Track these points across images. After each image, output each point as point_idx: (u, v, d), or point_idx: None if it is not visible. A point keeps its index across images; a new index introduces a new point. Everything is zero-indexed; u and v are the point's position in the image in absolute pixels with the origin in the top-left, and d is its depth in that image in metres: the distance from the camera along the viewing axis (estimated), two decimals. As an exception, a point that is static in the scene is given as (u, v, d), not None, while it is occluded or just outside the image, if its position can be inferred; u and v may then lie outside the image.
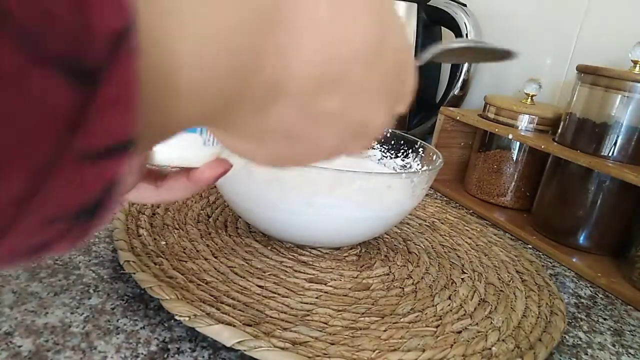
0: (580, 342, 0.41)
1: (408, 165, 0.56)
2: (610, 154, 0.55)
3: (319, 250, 0.47)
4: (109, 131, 0.10)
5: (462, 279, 0.46)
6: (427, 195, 0.64)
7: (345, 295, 0.40)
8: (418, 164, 0.55)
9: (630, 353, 0.41)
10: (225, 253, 0.43)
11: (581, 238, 0.58)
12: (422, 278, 0.45)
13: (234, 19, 0.13)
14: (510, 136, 0.64)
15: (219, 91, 0.14)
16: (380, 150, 0.58)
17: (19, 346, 0.30)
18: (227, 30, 0.13)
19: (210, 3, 0.12)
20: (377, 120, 0.20)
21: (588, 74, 0.57)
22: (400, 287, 0.43)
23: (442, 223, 0.59)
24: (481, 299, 0.43)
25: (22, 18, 0.08)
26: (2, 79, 0.08)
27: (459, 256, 0.51)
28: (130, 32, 0.09)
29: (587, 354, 0.40)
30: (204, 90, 0.13)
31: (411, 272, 0.46)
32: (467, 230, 0.58)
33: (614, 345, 0.42)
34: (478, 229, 0.59)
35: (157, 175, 0.30)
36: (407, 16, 0.85)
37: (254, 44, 0.14)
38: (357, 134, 0.19)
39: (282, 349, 0.32)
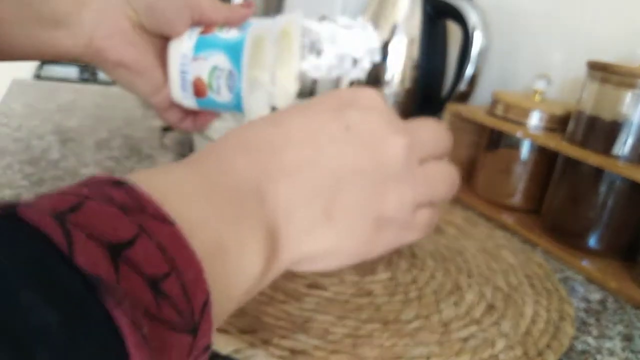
0: (589, 348, 0.40)
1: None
2: (621, 154, 0.53)
3: (319, 253, 0.46)
4: (205, 346, 0.18)
5: (469, 283, 0.45)
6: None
7: (346, 302, 0.39)
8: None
9: (640, 359, 0.40)
10: (223, 255, 0.42)
11: (591, 240, 0.56)
12: (427, 283, 0.44)
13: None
14: (519, 134, 0.62)
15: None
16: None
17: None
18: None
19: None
20: (392, 209, 0.26)
21: (598, 70, 0.55)
22: (404, 293, 0.41)
23: (448, 225, 0.57)
24: (488, 304, 0.41)
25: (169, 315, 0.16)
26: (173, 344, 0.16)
27: (465, 260, 0.49)
28: (209, 301, 0.18)
29: (596, 361, 0.39)
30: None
31: (415, 276, 0.44)
32: (474, 232, 0.56)
33: (623, 351, 0.41)
34: (485, 232, 0.57)
35: None
36: (411, 10, 0.83)
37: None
38: (381, 225, 0.27)
39: (280, 357, 0.31)
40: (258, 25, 0.40)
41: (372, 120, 0.25)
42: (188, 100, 0.42)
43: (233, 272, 0.20)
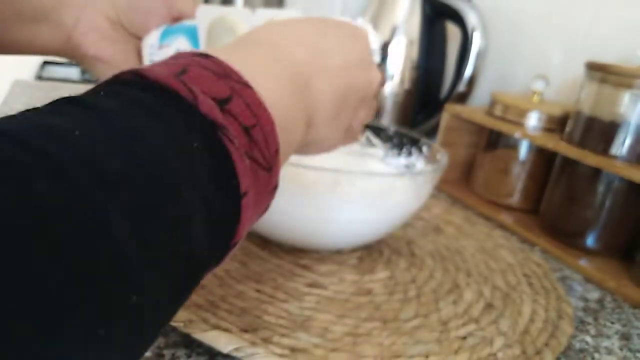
0: (587, 347, 0.40)
1: (412, 164, 0.55)
2: (619, 154, 0.54)
3: (318, 253, 0.46)
4: (274, 186, 0.23)
5: (468, 283, 0.45)
6: (431, 196, 0.63)
7: (346, 300, 0.39)
8: (422, 163, 0.53)
9: (638, 357, 0.40)
10: (223, 255, 0.42)
11: (589, 240, 0.56)
12: (426, 282, 0.44)
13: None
14: (518, 135, 0.63)
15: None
16: (383, 149, 0.57)
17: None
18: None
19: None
20: (357, 123, 0.33)
21: (596, 71, 0.55)
22: (403, 292, 0.42)
23: (447, 225, 0.57)
24: (487, 303, 0.42)
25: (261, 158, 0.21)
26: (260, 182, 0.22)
27: (464, 259, 0.50)
28: (279, 150, 0.23)
29: (594, 359, 0.39)
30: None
31: (415, 276, 0.45)
32: (472, 232, 0.57)
33: (621, 350, 0.41)
34: (484, 231, 0.57)
35: None
36: (410, 11, 0.84)
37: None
38: (347, 131, 0.33)
39: (281, 356, 0.31)
40: (229, 9, 0.40)
41: (369, 55, 0.32)
42: None
43: (289, 140, 0.25)
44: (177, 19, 0.42)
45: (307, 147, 0.31)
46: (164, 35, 0.41)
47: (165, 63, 0.20)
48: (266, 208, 0.24)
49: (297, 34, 0.29)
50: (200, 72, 0.20)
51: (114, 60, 0.41)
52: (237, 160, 0.19)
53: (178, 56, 0.21)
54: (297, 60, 0.27)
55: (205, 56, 0.21)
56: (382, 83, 0.36)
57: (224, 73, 0.21)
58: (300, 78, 0.27)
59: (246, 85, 0.21)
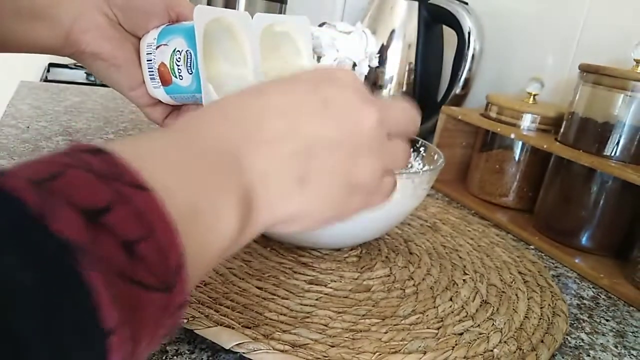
0: (582, 344, 0.41)
1: (409, 165, 0.56)
2: (613, 154, 0.55)
3: (319, 252, 0.47)
4: (180, 304, 0.19)
5: (464, 280, 0.45)
6: (428, 195, 0.64)
7: (345, 297, 0.40)
8: (419, 164, 0.54)
9: (632, 354, 0.41)
10: (225, 254, 0.43)
11: (584, 239, 0.57)
12: (423, 279, 0.44)
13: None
14: (513, 136, 0.64)
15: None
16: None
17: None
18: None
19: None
20: (362, 176, 0.27)
21: (590, 73, 0.56)
22: (401, 289, 0.42)
23: (443, 224, 0.58)
24: (483, 300, 0.42)
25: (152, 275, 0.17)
26: (154, 303, 0.17)
27: (460, 257, 0.50)
28: (183, 262, 0.18)
29: (589, 356, 0.39)
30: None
31: (412, 273, 0.45)
32: (468, 231, 0.57)
33: (616, 347, 0.41)
34: (480, 230, 0.58)
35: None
36: (408, 16, 0.85)
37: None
38: (352, 191, 0.27)
39: (282, 351, 0.32)
40: (227, 10, 0.40)
41: (347, 95, 0.27)
42: (158, 91, 0.43)
43: (208, 235, 0.21)
44: (175, 21, 0.42)
45: (280, 226, 0.26)
46: (163, 34, 0.41)
47: (44, 161, 0.17)
48: (171, 330, 0.20)
49: (226, 105, 0.25)
50: (79, 175, 0.16)
51: (113, 57, 0.41)
52: (100, 289, 0.15)
53: (69, 152, 0.18)
54: (220, 136, 0.23)
55: (98, 152, 0.18)
56: (402, 122, 0.30)
57: (114, 174, 0.17)
58: (225, 156, 0.23)
59: (140, 188, 0.17)
